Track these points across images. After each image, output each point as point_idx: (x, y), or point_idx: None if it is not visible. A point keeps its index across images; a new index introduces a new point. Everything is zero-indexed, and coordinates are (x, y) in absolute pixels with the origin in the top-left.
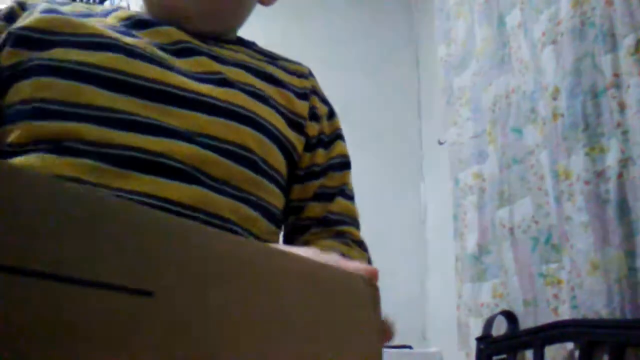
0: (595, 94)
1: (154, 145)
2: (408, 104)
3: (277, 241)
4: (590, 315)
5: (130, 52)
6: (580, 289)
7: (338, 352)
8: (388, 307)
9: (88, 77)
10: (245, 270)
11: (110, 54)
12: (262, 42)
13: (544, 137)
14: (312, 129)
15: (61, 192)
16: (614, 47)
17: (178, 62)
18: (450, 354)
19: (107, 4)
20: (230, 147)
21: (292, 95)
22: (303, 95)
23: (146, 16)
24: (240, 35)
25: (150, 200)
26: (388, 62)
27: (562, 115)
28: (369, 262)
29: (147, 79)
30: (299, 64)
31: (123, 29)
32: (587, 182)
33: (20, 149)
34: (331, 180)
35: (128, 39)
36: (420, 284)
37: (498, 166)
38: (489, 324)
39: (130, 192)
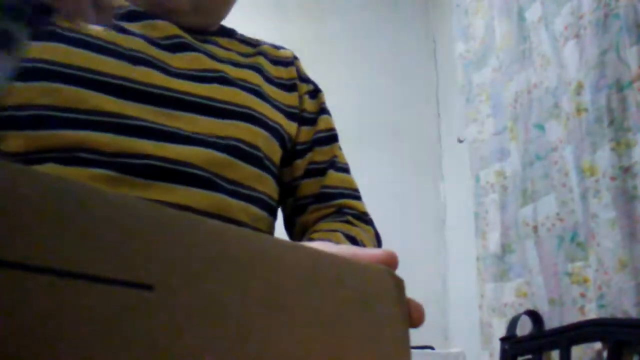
0: (620, 88)
1: (168, 152)
2: (426, 102)
3: (272, 233)
4: (619, 314)
5: (132, 58)
6: (607, 287)
7: (364, 350)
8: None
9: (94, 84)
10: (254, 263)
11: (113, 60)
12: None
13: (568, 132)
14: (300, 110)
15: (60, 189)
16: (639, 39)
17: (175, 59)
18: (473, 355)
19: None
20: (243, 147)
21: (281, 90)
22: (292, 87)
23: (136, 7)
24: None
25: None
26: (405, 61)
27: (586, 110)
28: (377, 235)
29: (152, 86)
30: (282, 48)
31: (117, 21)
32: (613, 178)
33: (21, 158)
34: (320, 155)
35: (127, 40)
36: (441, 283)
37: (520, 163)
38: (513, 323)
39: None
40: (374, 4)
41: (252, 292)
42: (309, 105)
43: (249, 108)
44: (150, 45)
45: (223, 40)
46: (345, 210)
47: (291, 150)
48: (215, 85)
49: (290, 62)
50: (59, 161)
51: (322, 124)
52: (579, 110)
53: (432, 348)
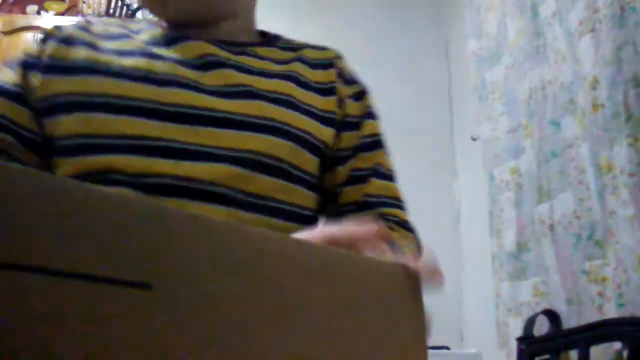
0: (637, 83)
1: (185, 169)
2: (439, 100)
3: None
4: (638, 313)
5: (161, 80)
6: (626, 285)
7: (377, 350)
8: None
9: (121, 109)
10: (257, 261)
11: (141, 85)
12: None
13: (584, 128)
14: (339, 115)
15: (58, 189)
16: None
17: (206, 78)
18: (490, 355)
19: (139, 18)
20: (262, 159)
21: (318, 95)
22: (329, 90)
23: (172, 32)
24: (267, 31)
25: None
26: (418, 59)
27: (603, 106)
28: (418, 243)
29: (178, 105)
30: (325, 49)
31: (154, 49)
32: (631, 174)
33: None
34: (363, 161)
35: (158, 65)
36: (456, 283)
37: (536, 160)
38: (530, 323)
39: None
40: (386, 3)
41: (254, 290)
42: (353, 108)
43: (272, 119)
44: (181, 66)
45: (261, 50)
46: (387, 217)
47: (332, 157)
48: (240, 100)
49: (330, 63)
50: (96, 183)
51: (367, 128)
52: (595, 106)
53: (447, 348)
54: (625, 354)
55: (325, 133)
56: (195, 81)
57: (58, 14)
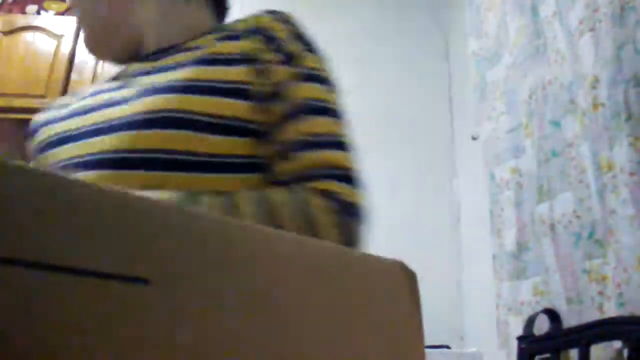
0: (638, 82)
1: (88, 147)
2: (439, 100)
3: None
4: (639, 312)
5: (90, 108)
6: (627, 285)
7: (373, 348)
8: (423, 306)
9: (60, 142)
10: (256, 257)
11: (77, 118)
12: None
13: (584, 128)
14: (258, 85)
15: (54, 184)
16: None
17: (125, 92)
18: (490, 354)
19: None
20: (157, 156)
21: (224, 66)
22: (245, 61)
23: (120, 69)
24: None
25: None
26: (418, 59)
27: (603, 105)
28: (336, 222)
29: (94, 123)
30: (258, 16)
31: (100, 88)
32: (632, 174)
33: None
34: (289, 133)
35: (96, 99)
36: (456, 282)
37: (536, 160)
38: (530, 322)
39: None
40: (386, 3)
41: (253, 287)
42: (280, 75)
43: (165, 110)
44: (113, 91)
45: (192, 43)
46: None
47: (264, 126)
48: (137, 101)
49: (256, 30)
50: None
51: (294, 93)
52: (595, 106)
53: (448, 347)
54: (625, 352)
55: (235, 107)
56: (123, 96)
57: (58, 13)
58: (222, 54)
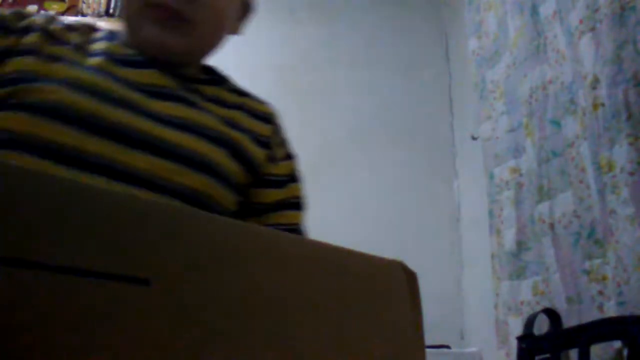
0: (637, 82)
1: (114, 189)
2: (439, 99)
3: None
4: (638, 312)
5: (107, 98)
6: (626, 284)
7: (374, 347)
8: (423, 306)
9: (61, 117)
10: (256, 258)
11: (85, 98)
12: (291, 49)
13: (584, 128)
14: (266, 169)
15: (56, 186)
16: None
17: (152, 104)
18: (490, 354)
19: (104, 25)
20: (184, 191)
21: (252, 142)
22: (265, 144)
23: (131, 53)
24: (216, 68)
25: None
26: (418, 58)
27: (603, 105)
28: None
29: (117, 123)
30: (264, 104)
31: (109, 66)
32: (631, 173)
33: None
34: (282, 218)
35: (108, 83)
36: (456, 282)
37: (536, 160)
38: (530, 322)
39: None
40: (385, 3)
41: (253, 287)
42: (283, 169)
43: (203, 155)
44: (131, 89)
45: (208, 88)
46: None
47: (259, 205)
48: (177, 131)
49: (269, 119)
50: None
51: (292, 190)
52: (595, 105)
53: (448, 347)
54: (625, 352)
55: (243, 177)
56: (141, 105)
57: (58, 13)
58: (253, 130)
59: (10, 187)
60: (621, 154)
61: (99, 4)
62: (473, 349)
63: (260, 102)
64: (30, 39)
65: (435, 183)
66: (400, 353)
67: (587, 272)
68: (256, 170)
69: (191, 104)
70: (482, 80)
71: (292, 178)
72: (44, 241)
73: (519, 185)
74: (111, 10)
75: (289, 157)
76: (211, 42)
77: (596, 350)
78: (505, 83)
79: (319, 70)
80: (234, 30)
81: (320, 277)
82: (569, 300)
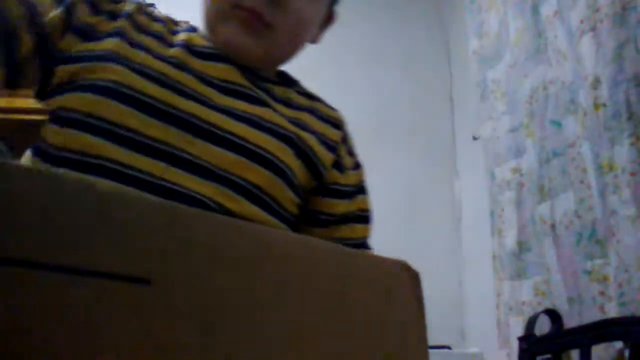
0: (638, 82)
1: (175, 177)
2: (440, 99)
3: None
4: None
5: (178, 89)
6: (628, 285)
7: (377, 347)
8: (425, 307)
9: (131, 101)
10: (258, 258)
11: (157, 87)
12: None
13: (585, 128)
14: (332, 176)
15: (58, 186)
16: None
17: (222, 99)
18: (491, 354)
19: (180, 23)
20: (246, 186)
21: (320, 144)
22: (332, 148)
23: (208, 46)
24: (287, 72)
25: None
26: (419, 59)
27: (604, 105)
28: None
29: (183, 111)
30: (335, 110)
31: (184, 56)
32: (633, 174)
33: (55, 151)
34: (349, 231)
35: (181, 75)
36: (457, 283)
37: (537, 160)
38: (531, 322)
39: None
40: (386, 3)
41: (254, 287)
42: (350, 178)
43: (269, 152)
44: (203, 83)
45: (279, 89)
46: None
47: (311, 214)
48: (245, 125)
49: (338, 125)
50: (80, 163)
51: (359, 202)
52: (596, 105)
53: (449, 348)
54: (626, 353)
55: (307, 179)
56: (210, 98)
57: None
58: (321, 133)
59: (11, 186)
60: (622, 154)
61: None
62: (474, 350)
63: (330, 107)
64: (119, 23)
65: (436, 183)
66: (403, 353)
67: (588, 273)
68: (321, 174)
69: (261, 102)
70: (483, 80)
71: (359, 189)
72: (45, 241)
73: (520, 186)
74: None
75: (357, 166)
76: (290, 50)
77: (597, 350)
78: (506, 83)
79: (319, 70)
80: (314, 39)
81: (323, 277)
82: (570, 300)
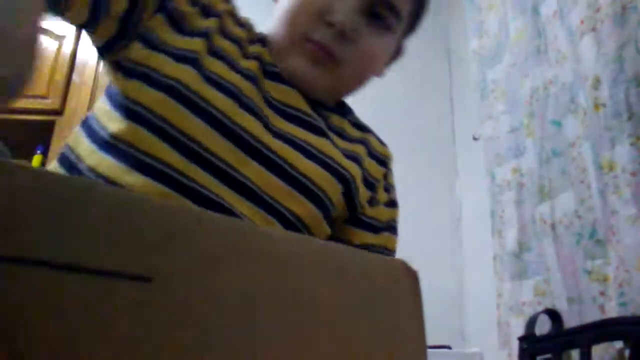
0: (639, 82)
1: (225, 194)
2: (440, 100)
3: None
4: None
5: (244, 104)
6: (628, 285)
7: (376, 347)
8: (425, 307)
9: (196, 108)
10: (258, 257)
11: (222, 96)
12: None
13: (585, 128)
14: (364, 209)
15: (59, 184)
16: None
17: (282, 124)
18: (491, 354)
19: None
20: (285, 214)
21: (362, 181)
22: (370, 185)
23: (275, 65)
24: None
25: None
26: (419, 58)
27: (604, 105)
28: None
29: (246, 131)
30: (384, 146)
31: (258, 72)
32: (633, 174)
33: (111, 139)
34: None
35: (249, 89)
36: (458, 283)
37: (537, 160)
38: (531, 322)
39: None
40: None
41: (255, 286)
42: (382, 213)
43: (317, 186)
44: (265, 103)
45: (335, 117)
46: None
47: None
48: (299, 153)
49: (385, 162)
50: (129, 159)
51: (385, 241)
52: (596, 105)
53: (449, 348)
54: (627, 353)
55: (343, 212)
56: (270, 120)
57: None
58: (372, 175)
59: (12, 186)
60: (622, 154)
61: None
62: (474, 350)
63: (381, 142)
64: (208, 23)
65: (436, 183)
66: (401, 353)
67: (589, 273)
68: (355, 209)
69: (320, 132)
70: (483, 80)
71: (388, 227)
72: (47, 239)
73: (520, 186)
74: None
75: (391, 204)
76: (356, 85)
77: (597, 350)
78: (506, 83)
79: None
80: (379, 74)
81: (321, 276)
82: (570, 300)
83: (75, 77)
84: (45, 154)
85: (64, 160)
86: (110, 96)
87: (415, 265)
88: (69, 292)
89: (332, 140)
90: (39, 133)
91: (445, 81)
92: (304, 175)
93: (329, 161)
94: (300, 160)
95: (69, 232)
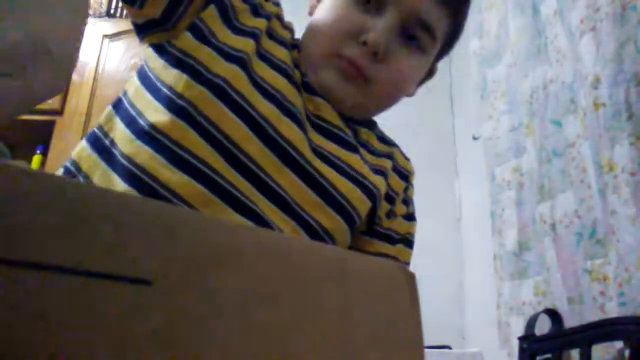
0: (639, 82)
1: (259, 201)
2: (440, 99)
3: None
4: None
5: (286, 110)
6: (628, 284)
7: (372, 350)
8: (425, 307)
9: (239, 110)
10: (258, 259)
11: (268, 103)
12: None
13: (585, 128)
14: (383, 222)
15: (58, 187)
16: None
17: (315, 136)
18: (491, 354)
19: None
20: (313, 224)
21: (384, 195)
22: (391, 198)
23: (308, 79)
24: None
25: None
26: None
27: (604, 105)
28: None
29: (285, 139)
30: (408, 161)
31: (298, 80)
32: (633, 174)
33: (152, 129)
34: None
35: (293, 96)
36: (458, 283)
37: (537, 160)
38: (531, 322)
39: None
40: None
41: (254, 288)
42: (399, 226)
43: (348, 202)
44: (302, 111)
45: (363, 131)
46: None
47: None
48: (331, 169)
49: (407, 177)
50: (166, 153)
51: (401, 255)
52: (596, 105)
53: (449, 347)
54: (627, 353)
55: (364, 225)
56: (307, 132)
57: None
58: (393, 189)
59: (8, 186)
60: (622, 154)
61: (100, 3)
62: (474, 350)
63: (405, 157)
64: (257, 23)
65: (437, 183)
66: (398, 354)
67: (589, 272)
68: (374, 221)
69: (351, 147)
70: (483, 79)
71: (404, 240)
72: (43, 241)
73: (520, 185)
74: (112, 11)
75: (409, 217)
76: (386, 104)
77: (597, 350)
78: (506, 83)
79: None
80: (410, 94)
81: (319, 277)
82: (570, 300)
83: (75, 77)
84: (45, 153)
85: (96, 142)
86: (148, 82)
87: (415, 264)
88: (68, 295)
89: (362, 156)
90: (39, 133)
91: (445, 81)
92: (338, 191)
93: (360, 178)
94: (333, 176)
95: (68, 234)
